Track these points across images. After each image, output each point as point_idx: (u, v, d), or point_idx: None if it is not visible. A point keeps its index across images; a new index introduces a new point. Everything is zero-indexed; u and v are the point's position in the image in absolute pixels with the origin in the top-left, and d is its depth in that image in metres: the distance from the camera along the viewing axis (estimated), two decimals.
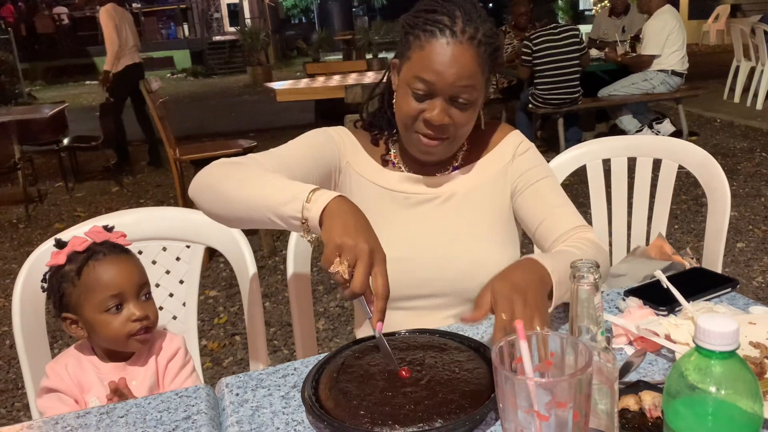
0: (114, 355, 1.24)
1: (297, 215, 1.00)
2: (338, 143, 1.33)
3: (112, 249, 1.22)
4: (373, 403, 0.88)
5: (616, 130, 5.91)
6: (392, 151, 1.35)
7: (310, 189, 1.01)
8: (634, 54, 5.84)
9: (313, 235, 1.00)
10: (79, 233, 1.26)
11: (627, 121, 5.81)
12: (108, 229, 1.26)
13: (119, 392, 1.16)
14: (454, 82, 1.14)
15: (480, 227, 1.29)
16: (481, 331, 1.14)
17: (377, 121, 1.35)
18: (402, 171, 1.33)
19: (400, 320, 1.29)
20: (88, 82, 18.28)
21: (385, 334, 1.06)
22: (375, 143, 1.36)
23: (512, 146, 1.33)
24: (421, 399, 0.88)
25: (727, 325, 0.60)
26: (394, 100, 1.27)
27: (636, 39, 5.90)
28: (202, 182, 1.16)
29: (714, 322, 0.60)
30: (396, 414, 0.86)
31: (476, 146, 1.34)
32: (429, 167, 1.32)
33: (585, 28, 8.00)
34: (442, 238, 1.28)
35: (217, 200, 1.12)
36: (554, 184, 1.31)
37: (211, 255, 1.50)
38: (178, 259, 1.51)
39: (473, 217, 1.29)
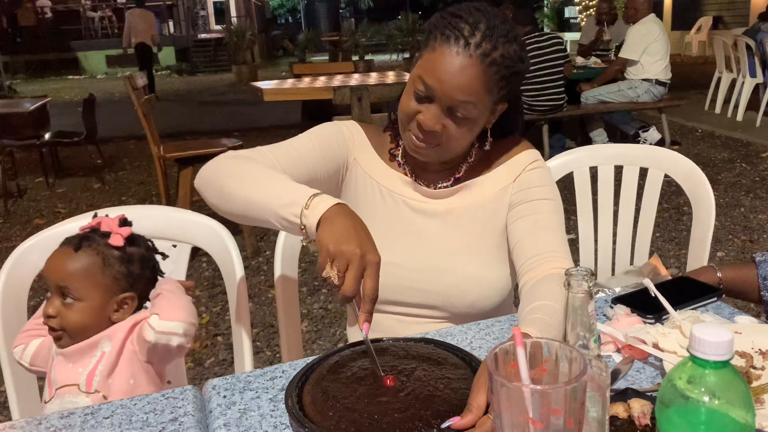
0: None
1: (295, 221, 1.01)
2: (348, 139, 1.32)
3: (69, 242, 1.20)
4: (345, 406, 0.87)
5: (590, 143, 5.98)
6: (399, 149, 1.33)
7: (310, 194, 1.01)
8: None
9: (312, 240, 1.00)
10: (111, 216, 1.27)
11: (599, 134, 5.91)
12: (123, 221, 1.24)
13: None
14: (453, 93, 1.12)
15: (474, 245, 1.27)
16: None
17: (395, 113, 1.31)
18: (405, 171, 1.31)
19: (388, 324, 1.28)
20: (70, 77, 18.07)
21: (393, 339, 1.06)
22: (385, 131, 1.35)
23: (523, 164, 1.28)
24: (393, 411, 0.86)
25: (722, 335, 0.60)
26: None
27: (620, 48, 5.97)
28: (208, 175, 1.16)
29: (709, 332, 0.61)
30: (361, 422, 0.84)
31: (485, 160, 1.31)
32: (430, 173, 1.30)
33: (570, 36, 8.08)
34: (435, 251, 1.27)
35: (220, 195, 1.13)
36: (551, 208, 1.23)
37: (193, 254, 1.49)
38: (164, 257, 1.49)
39: (468, 234, 1.27)
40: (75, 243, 1.20)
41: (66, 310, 1.17)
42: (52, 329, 1.18)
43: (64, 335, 1.18)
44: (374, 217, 1.28)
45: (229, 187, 1.11)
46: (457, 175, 1.30)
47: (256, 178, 1.10)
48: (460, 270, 1.25)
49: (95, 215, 1.27)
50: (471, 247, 1.27)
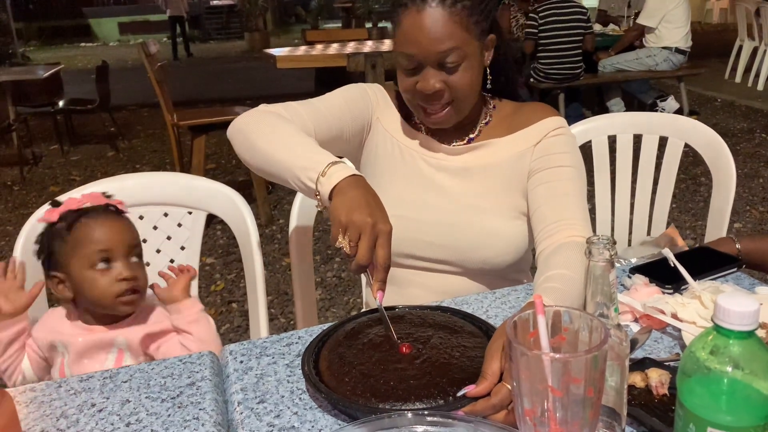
0: (100, 320, 1.21)
1: (311, 185, 1.03)
2: (372, 100, 1.35)
3: (105, 210, 1.21)
4: (361, 372, 0.88)
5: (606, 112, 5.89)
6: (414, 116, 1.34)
7: (329, 162, 1.02)
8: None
9: (326, 207, 1.01)
10: (77, 196, 1.24)
11: (615, 103, 5.81)
12: (107, 196, 1.24)
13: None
14: (433, 48, 1.14)
15: (489, 202, 1.27)
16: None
17: None
18: (422, 131, 1.33)
19: (401, 277, 1.30)
20: (83, 44, 18.01)
21: (409, 307, 1.06)
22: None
23: (546, 129, 1.26)
24: (409, 377, 0.86)
25: (747, 304, 0.59)
26: None
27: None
28: (239, 126, 1.20)
29: (734, 301, 0.60)
30: (377, 388, 0.85)
31: (503, 123, 1.31)
32: (447, 133, 1.31)
33: (588, 2, 7.90)
34: (450, 206, 1.27)
35: (246, 147, 1.17)
36: (573, 175, 1.22)
37: (208, 222, 1.49)
38: (179, 225, 1.49)
39: (484, 192, 1.27)
40: (109, 210, 1.22)
41: (140, 269, 1.21)
42: (134, 291, 1.18)
43: (139, 297, 1.20)
44: (392, 173, 1.31)
45: (257, 140, 1.15)
46: (471, 135, 1.31)
47: (284, 136, 1.12)
48: (473, 225, 1.25)
49: (53, 202, 1.24)
50: (485, 204, 1.27)
